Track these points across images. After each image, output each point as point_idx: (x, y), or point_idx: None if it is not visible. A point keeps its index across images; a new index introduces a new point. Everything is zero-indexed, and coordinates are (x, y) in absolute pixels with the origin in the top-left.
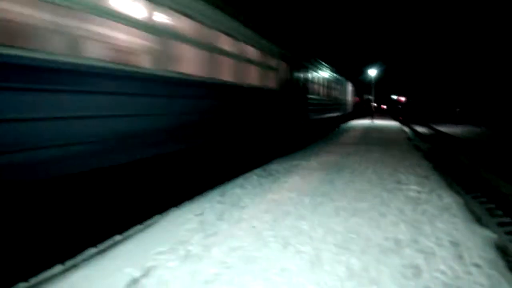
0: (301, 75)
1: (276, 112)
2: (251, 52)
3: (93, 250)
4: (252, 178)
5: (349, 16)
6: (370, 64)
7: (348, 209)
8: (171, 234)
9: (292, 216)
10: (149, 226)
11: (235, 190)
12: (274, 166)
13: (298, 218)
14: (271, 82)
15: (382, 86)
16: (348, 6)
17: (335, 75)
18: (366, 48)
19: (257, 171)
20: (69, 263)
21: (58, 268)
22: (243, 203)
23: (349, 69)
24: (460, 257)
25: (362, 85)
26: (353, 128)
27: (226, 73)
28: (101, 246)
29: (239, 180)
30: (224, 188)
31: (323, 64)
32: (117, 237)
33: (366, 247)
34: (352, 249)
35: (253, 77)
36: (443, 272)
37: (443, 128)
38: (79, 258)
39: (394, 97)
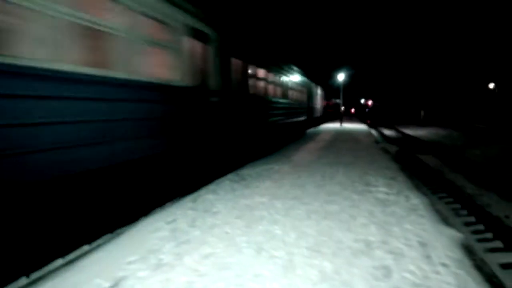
0: (272, 78)
1: (248, 116)
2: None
3: (60, 261)
4: (225, 183)
5: (318, 20)
6: (339, 68)
7: (319, 212)
8: (142, 243)
9: (265, 221)
10: (118, 235)
11: (208, 196)
12: (246, 171)
13: (271, 223)
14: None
15: (350, 90)
16: (317, 10)
17: (304, 79)
18: (334, 52)
19: (230, 176)
20: (34, 275)
21: (22, 281)
22: (216, 209)
23: (318, 73)
24: (428, 257)
25: (331, 89)
26: (323, 132)
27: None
28: (68, 257)
29: (212, 186)
30: (196, 194)
31: (293, 69)
32: (86, 247)
33: (338, 249)
34: (324, 252)
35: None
36: (412, 272)
37: (409, 131)
38: (45, 269)
39: (363, 100)
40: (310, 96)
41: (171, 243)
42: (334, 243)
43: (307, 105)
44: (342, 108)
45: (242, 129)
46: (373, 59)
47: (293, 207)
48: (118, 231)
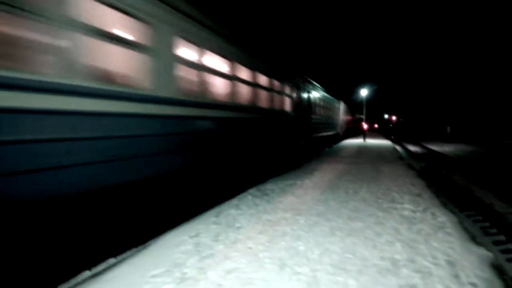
0: (297, 95)
1: (270, 132)
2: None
3: (87, 273)
4: (247, 198)
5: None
6: (362, 83)
7: (343, 229)
8: (166, 256)
9: (288, 237)
10: (143, 248)
11: (230, 210)
12: (269, 186)
13: (294, 239)
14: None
15: (374, 106)
16: (341, 27)
17: (327, 95)
18: (358, 68)
19: (252, 191)
20: (62, 287)
21: None
22: (239, 224)
23: (341, 89)
24: (456, 276)
25: (354, 105)
26: (346, 148)
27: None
28: (95, 269)
29: (234, 201)
30: (219, 209)
31: (314, 84)
32: (112, 260)
33: (363, 267)
34: (348, 269)
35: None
36: None
37: (434, 147)
38: (72, 282)
39: (386, 116)
40: (334, 112)
41: (195, 257)
42: (359, 261)
43: (332, 121)
44: (366, 124)
45: (286, 143)
46: (397, 74)
47: (316, 223)
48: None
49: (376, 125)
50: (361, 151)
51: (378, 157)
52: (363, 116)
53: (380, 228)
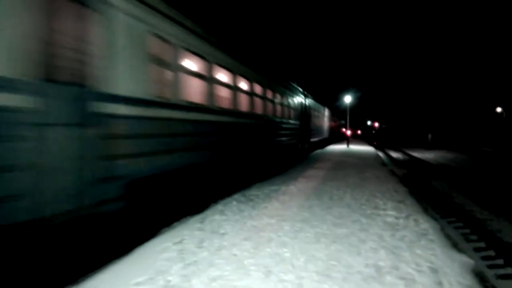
0: (282, 101)
1: (254, 138)
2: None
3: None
4: (232, 204)
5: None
6: (346, 90)
7: (328, 235)
8: (150, 263)
9: (273, 243)
10: (125, 255)
11: (215, 216)
12: (253, 192)
13: (279, 245)
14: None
15: (357, 112)
16: (324, 33)
17: (312, 101)
18: (342, 74)
19: (236, 196)
20: None
21: None
22: (223, 230)
23: (325, 95)
24: (439, 283)
25: (338, 111)
26: (330, 153)
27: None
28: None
29: (219, 206)
30: (203, 214)
31: (302, 91)
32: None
33: (348, 274)
34: (334, 276)
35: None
36: None
37: (416, 153)
38: None
39: (369, 122)
40: (318, 118)
41: (178, 264)
42: (344, 268)
43: (316, 127)
44: (349, 130)
45: (269, 149)
46: (380, 81)
47: (301, 230)
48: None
49: (359, 131)
50: (345, 157)
51: (361, 163)
52: (345, 122)
53: (364, 234)
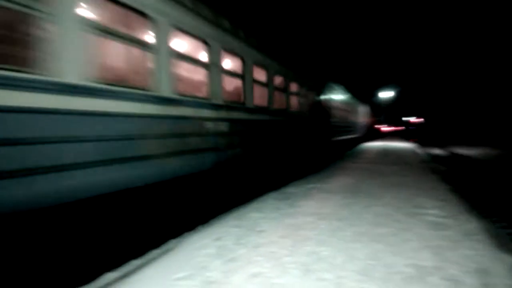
0: (318, 97)
1: (291, 135)
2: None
3: (113, 275)
4: (268, 202)
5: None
6: (384, 86)
7: (367, 234)
8: (190, 259)
9: (310, 242)
10: (168, 250)
11: (251, 214)
12: (290, 189)
13: (317, 244)
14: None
15: (395, 107)
16: (363, 29)
17: (348, 97)
18: (379, 70)
19: (273, 194)
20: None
21: None
22: (260, 227)
23: (362, 91)
24: (486, 285)
25: (375, 107)
26: (367, 150)
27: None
28: (121, 271)
29: (255, 204)
30: (240, 211)
31: (337, 86)
32: (138, 262)
33: (388, 274)
34: (374, 276)
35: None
36: None
37: (458, 150)
38: (100, 282)
39: (408, 118)
40: (355, 114)
41: (218, 260)
42: (384, 268)
43: (353, 124)
44: (386, 126)
45: (307, 146)
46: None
47: (339, 228)
48: (167, 246)
49: (397, 128)
50: (382, 154)
51: (399, 160)
52: (383, 119)
53: (405, 234)
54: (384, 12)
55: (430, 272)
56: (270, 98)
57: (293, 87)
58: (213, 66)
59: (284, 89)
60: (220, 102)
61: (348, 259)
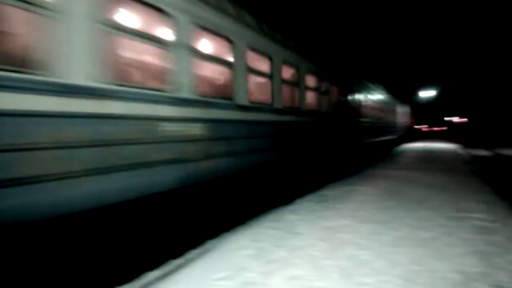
0: (353, 97)
1: (326, 137)
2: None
3: (156, 273)
4: (305, 204)
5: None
6: (425, 85)
7: (408, 239)
8: (229, 260)
9: (349, 245)
10: (207, 250)
11: (288, 216)
12: (326, 192)
13: (356, 247)
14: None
15: (437, 107)
16: (405, 27)
17: (386, 96)
18: (421, 68)
19: (309, 196)
20: (133, 285)
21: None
22: (297, 230)
23: (401, 91)
24: None
25: (415, 107)
26: (406, 152)
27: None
28: (163, 270)
29: (291, 206)
30: (276, 213)
31: (374, 85)
32: (179, 261)
33: (432, 280)
34: (417, 282)
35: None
36: None
37: (506, 151)
38: (143, 280)
39: (450, 118)
40: (394, 114)
41: (256, 261)
42: (428, 273)
43: (391, 124)
44: (426, 127)
45: (343, 148)
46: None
47: (379, 232)
48: (206, 246)
49: (438, 128)
50: (423, 155)
51: (441, 162)
52: (423, 118)
53: (449, 238)
54: (427, 10)
55: (476, 279)
56: (300, 98)
57: (325, 86)
58: (238, 65)
59: (315, 89)
60: (245, 103)
61: (389, 264)
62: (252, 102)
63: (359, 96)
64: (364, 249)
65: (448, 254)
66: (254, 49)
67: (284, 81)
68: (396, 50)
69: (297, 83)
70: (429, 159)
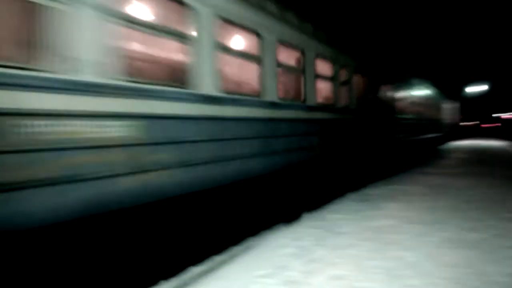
0: (395, 93)
1: (368, 135)
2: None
3: (200, 269)
4: (347, 203)
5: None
6: (474, 81)
7: (456, 240)
8: (270, 258)
9: (394, 246)
10: (249, 248)
11: (330, 215)
12: (368, 191)
13: (401, 248)
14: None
15: (487, 103)
16: (452, 19)
17: (433, 92)
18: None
19: (351, 195)
20: (176, 281)
21: (165, 285)
22: (340, 229)
23: (450, 86)
24: None
25: (463, 103)
26: (452, 150)
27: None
28: (206, 265)
29: (333, 205)
30: (318, 212)
31: (418, 81)
32: (221, 257)
33: (484, 284)
34: (468, 285)
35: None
36: None
37: None
38: (187, 276)
39: (501, 115)
40: (439, 111)
41: (298, 260)
42: (479, 276)
43: (436, 121)
44: (474, 123)
45: (384, 146)
46: None
47: (425, 233)
48: (248, 243)
49: (488, 124)
50: (471, 153)
51: (490, 160)
52: (471, 115)
53: (501, 240)
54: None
55: None
56: (336, 94)
57: (363, 82)
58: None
59: (353, 85)
60: (277, 100)
61: (437, 266)
62: (282, 99)
63: (402, 93)
64: (410, 250)
65: (501, 257)
66: (285, 43)
67: (317, 76)
68: (446, 45)
69: (332, 79)
70: (478, 157)
